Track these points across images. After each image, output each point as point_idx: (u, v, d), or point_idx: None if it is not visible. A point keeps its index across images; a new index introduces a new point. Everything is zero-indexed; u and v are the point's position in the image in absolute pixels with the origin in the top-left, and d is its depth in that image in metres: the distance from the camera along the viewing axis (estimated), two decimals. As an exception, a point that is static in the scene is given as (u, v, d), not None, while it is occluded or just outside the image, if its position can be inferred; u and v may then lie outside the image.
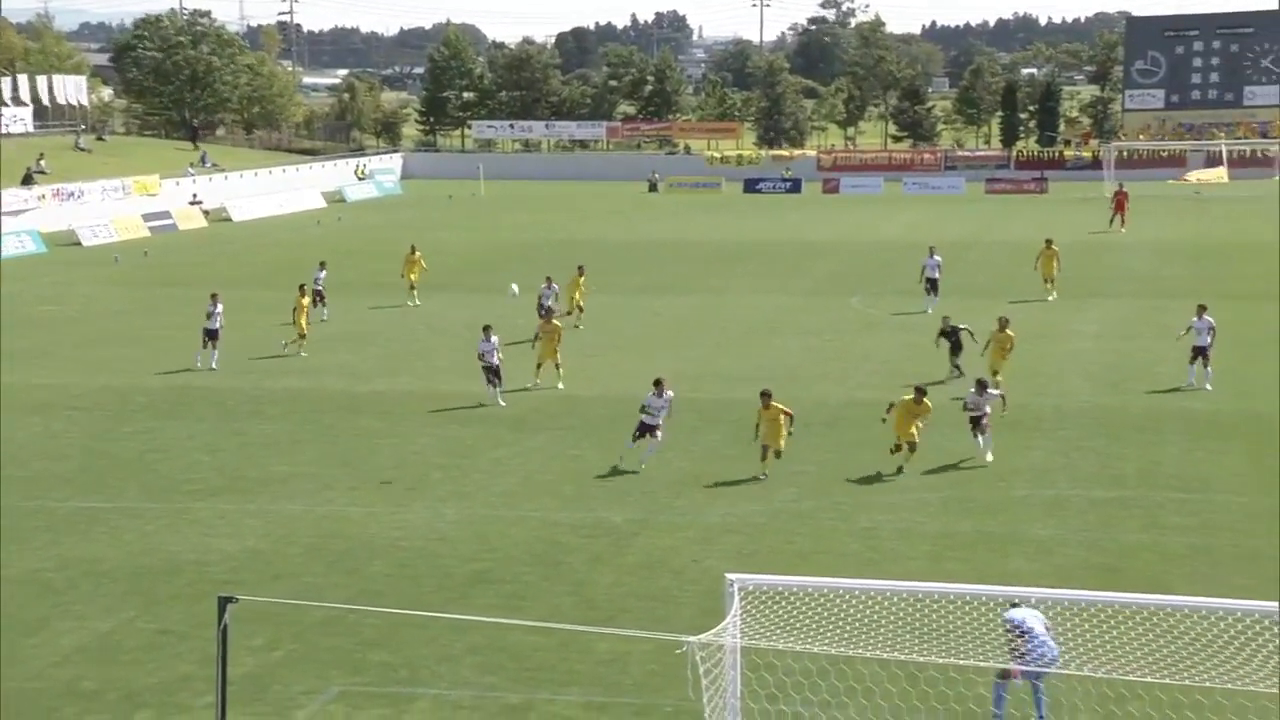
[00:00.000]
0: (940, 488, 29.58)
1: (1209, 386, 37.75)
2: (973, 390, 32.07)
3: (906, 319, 50.12)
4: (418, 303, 55.04)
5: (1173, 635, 15.86)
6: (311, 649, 21.64)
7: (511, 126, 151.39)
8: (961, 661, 19.20)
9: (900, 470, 30.33)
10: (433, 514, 28.61)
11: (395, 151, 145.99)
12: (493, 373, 37.89)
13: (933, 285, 51.50)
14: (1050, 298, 53.04)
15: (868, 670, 18.78)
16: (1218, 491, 29.10)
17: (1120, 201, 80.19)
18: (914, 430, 30.41)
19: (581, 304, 49.73)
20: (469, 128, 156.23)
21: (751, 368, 42.74)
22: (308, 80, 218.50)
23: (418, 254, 56.53)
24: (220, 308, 43.37)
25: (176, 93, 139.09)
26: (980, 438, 31.40)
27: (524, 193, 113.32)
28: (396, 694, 20.10)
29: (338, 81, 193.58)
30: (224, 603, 14.35)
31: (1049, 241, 54.87)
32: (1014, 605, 18.09)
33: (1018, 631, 17.86)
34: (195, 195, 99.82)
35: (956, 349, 39.87)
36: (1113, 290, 56.71)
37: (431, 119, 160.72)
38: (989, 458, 31.07)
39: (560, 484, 30.66)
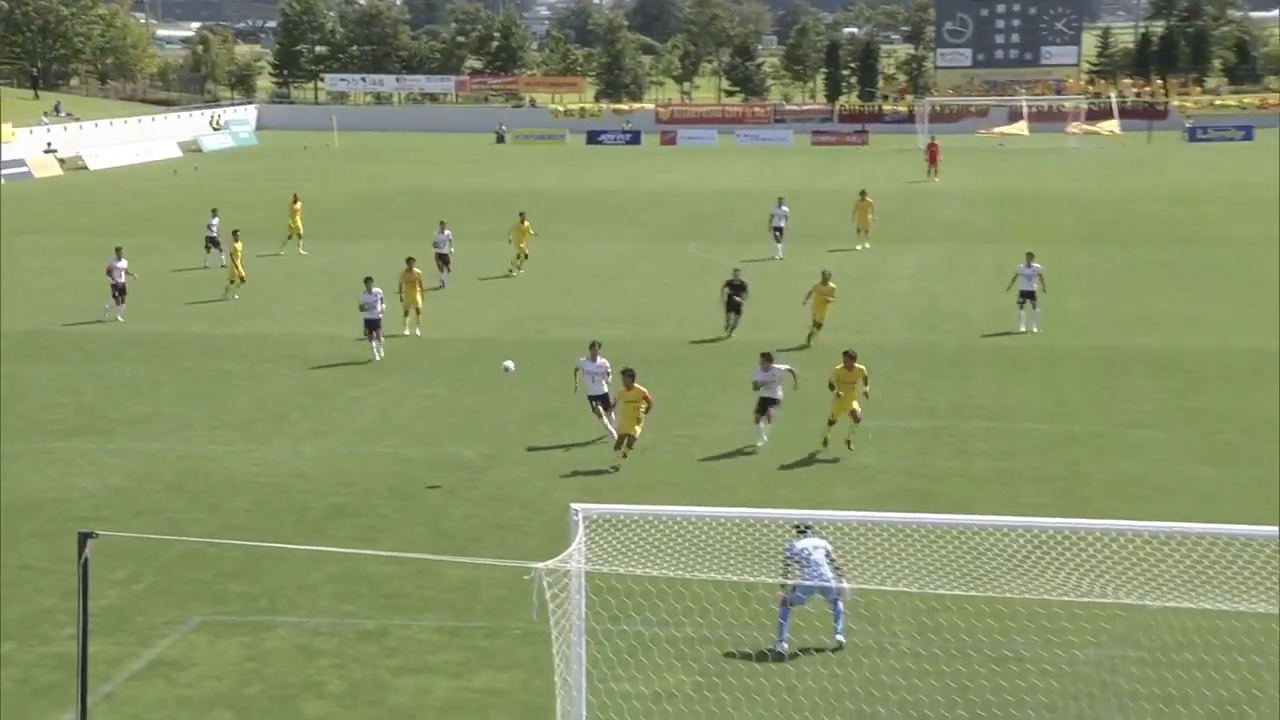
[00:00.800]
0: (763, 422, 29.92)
1: (1036, 329, 38.08)
2: (758, 367, 28.08)
3: (741, 264, 50.46)
4: (304, 251, 53.72)
5: (978, 552, 16.30)
6: (173, 581, 21.35)
7: (363, 80, 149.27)
8: (788, 581, 19.57)
9: (849, 444, 27.38)
10: (291, 451, 28.31)
11: (250, 103, 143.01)
12: (373, 325, 35.78)
13: (779, 233, 51.81)
14: (860, 247, 53.20)
15: (703, 591, 19.05)
16: (1019, 420, 29.87)
17: (933, 153, 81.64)
18: (855, 404, 27.27)
19: (526, 250, 48.86)
20: (322, 81, 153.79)
21: (595, 310, 42.89)
22: (161, 33, 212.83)
23: (299, 203, 55.53)
24: (124, 262, 41.78)
25: (28, 43, 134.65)
26: (762, 424, 27.82)
27: (377, 144, 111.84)
28: (257, 622, 19.92)
29: (191, 34, 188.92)
30: (84, 538, 14.08)
31: (863, 193, 55.35)
32: (801, 534, 18.50)
33: (797, 560, 18.39)
34: (50, 144, 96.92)
35: (734, 306, 38.28)
36: (927, 235, 57.69)
37: (285, 72, 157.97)
38: (762, 441, 27.81)
39: (414, 422, 30.52)
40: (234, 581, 21.33)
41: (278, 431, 29.75)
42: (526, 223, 49.38)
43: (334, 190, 77.58)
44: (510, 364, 29.29)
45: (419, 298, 38.97)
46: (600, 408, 28.15)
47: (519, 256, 49.07)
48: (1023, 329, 38.17)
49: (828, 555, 18.49)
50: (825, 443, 27.43)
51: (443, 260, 46.68)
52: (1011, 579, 16.29)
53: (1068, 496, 24.47)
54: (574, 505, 15.69)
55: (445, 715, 17.21)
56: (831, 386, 27.51)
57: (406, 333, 38.30)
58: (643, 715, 16.61)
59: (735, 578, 17.87)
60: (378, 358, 35.52)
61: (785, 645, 18.54)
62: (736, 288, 38.20)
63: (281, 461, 27.60)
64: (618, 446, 27.01)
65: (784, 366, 28.06)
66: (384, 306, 35.98)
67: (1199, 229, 57.71)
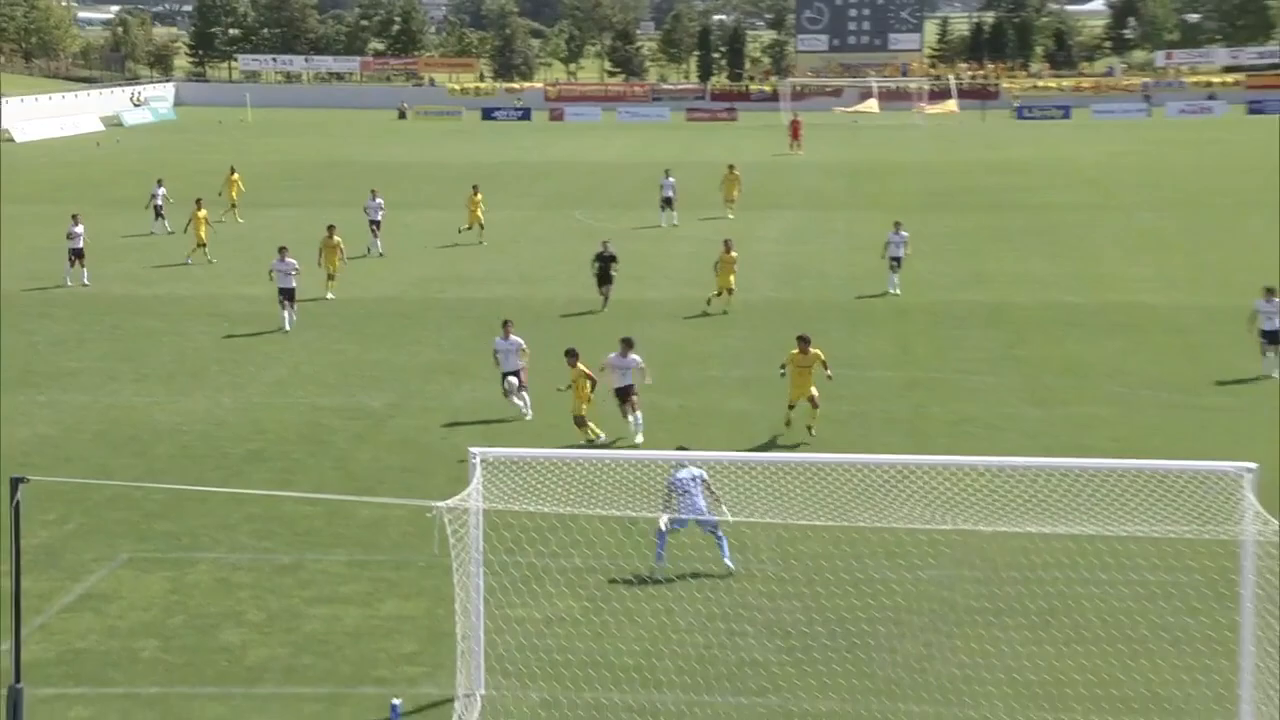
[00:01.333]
0: (650, 369, 29.93)
1: (899, 291, 37.64)
2: (616, 353, 24.92)
3: (623, 229, 50.40)
4: (241, 220, 52.39)
5: (835, 486, 16.50)
6: (101, 522, 20.93)
7: (274, 60, 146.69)
8: (666, 514, 19.64)
9: (810, 430, 24.83)
10: (211, 402, 27.82)
11: (168, 81, 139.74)
12: (287, 294, 33.76)
13: (668, 202, 51.49)
14: (728, 216, 53.19)
15: (590, 525, 19.07)
16: (870, 368, 30.20)
17: (795, 128, 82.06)
18: (811, 387, 24.58)
19: (482, 220, 47.54)
20: (235, 61, 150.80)
21: (490, 271, 42.62)
22: (83, 15, 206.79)
23: (236, 175, 54.31)
24: (81, 227, 40.33)
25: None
26: (631, 416, 24.49)
27: (288, 119, 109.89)
28: (180, 559, 19.60)
29: (111, 17, 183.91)
30: (16, 482, 13.75)
31: (731, 167, 55.34)
32: (681, 467, 18.61)
33: (676, 489, 18.53)
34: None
35: (606, 277, 36.14)
36: (789, 203, 57.99)
37: (201, 53, 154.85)
38: (640, 439, 24.36)
39: (324, 374, 30.12)
40: (158, 521, 20.95)
41: (198, 384, 29.21)
42: (479, 195, 48.07)
43: (250, 161, 75.86)
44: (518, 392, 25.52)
45: (338, 262, 38.05)
46: (512, 383, 26.17)
47: (475, 227, 47.34)
48: (892, 291, 37.86)
49: (705, 485, 18.58)
50: (788, 423, 25.17)
51: (374, 226, 45.48)
52: (863, 509, 16.52)
53: (912, 435, 24.82)
54: (472, 449, 15.62)
55: (356, 640, 17.08)
56: (782, 369, 25.07)
57: (329, 296, 37.59)
58: (535, 637, 16.62)
59: (619, 513, 17.92)
60: (288, 327, 33.49)
61: (663, 562, 18.65)
62: (607, 259, 36.18)
63: (202, 411, 27.12)
64: (579, 425, 24.41)
65: (639, 359, 24.75)
66: (298, 275, 34.05)
67: (1025, 197, 58.64)
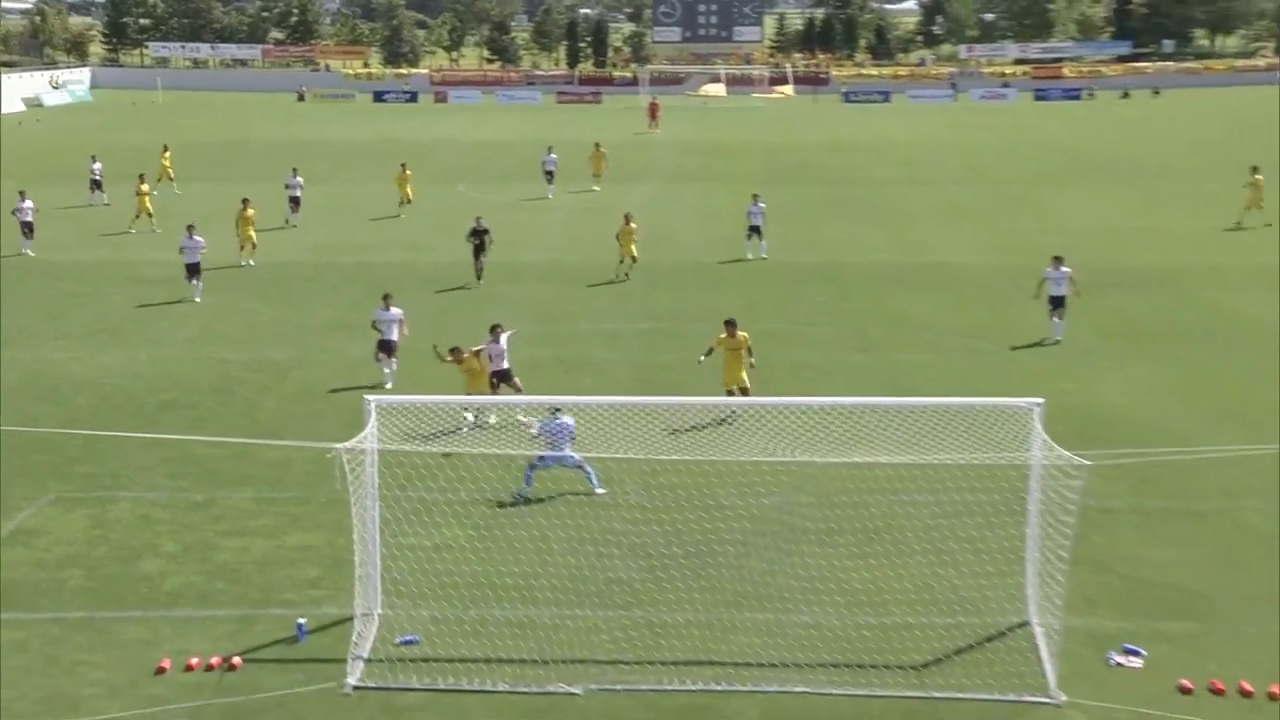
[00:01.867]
0: (525, 325, 29.77)
1: (765, 256, 37.39)
2: (488, 338, 22.51)
3: (502, 200, 49.95)
4: (179, 191, 50.74)
5: (691, 424, 16.62)
6: (27, 464, 20.25)
7: (183, 47, 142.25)
8: (542, 453, 19.61)
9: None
10: (128, 358, 27.00)
11: (84, 66, 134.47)
12: (193, 269, 32.14)
13: (550, 176, 50.95)
14: (595, 188, 53.01)
15: (474, 463, 19.01)
16: (721, 321, 30.23)
17: (653, 110, 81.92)
18: (743, 374, 21.99)
19: (409, 195, 45.76)
20: (147, 48, 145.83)
21: (381, 239, 41.94)
22: (4, 5, 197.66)
23: (168, 152, 52.46)
24: (30, 203, 38.54)
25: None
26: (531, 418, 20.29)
27: (196, 101, 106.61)
28: (102, 497, 19.07)
29: (29, 6, 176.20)
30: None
31: (597, 144, 55.08)
32: (554, 414, 18.62)
33: (548, 434, 18.64)
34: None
35: (480, 250, 34.00)
36: (649, 176, 57.89)
37: (114, 40, 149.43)
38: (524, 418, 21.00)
39: (233, 332, 29.42)
40: (81, 465, 20.34)
41: (115, 342, 28.33)
42: (409, 171, 46.55)
43: (163, 140, 73.57)
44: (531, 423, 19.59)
45: (253, 233, 36.75)
46: (385, 354, 24.60)
47: (403, 201, 45.85)
48: (750, 256, 37.42)
49: (571, 434, 18.60)
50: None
51: (294, 202, 44.02)
52: (715, 444, 16.67)
53: (758, 379, 24.91)
54: (368, 396, 15.42)
55: (264, 568, 16.80)
56: (708, 352, 22.55)
57: (244, 263, 36.41)
58: (426, 562, 16.50)
59: (499, 451, 17.87)
60: (197, 298, 32.05)
61: (530, 488, 18.73)
62: (481, 234, 34.02)
63: (119, 366, 26.32)
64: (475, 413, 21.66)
65: (508, 332, 22.75)
66: (204, 250, 32.27)
67: (852, 172, 59.34)
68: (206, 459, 20.59)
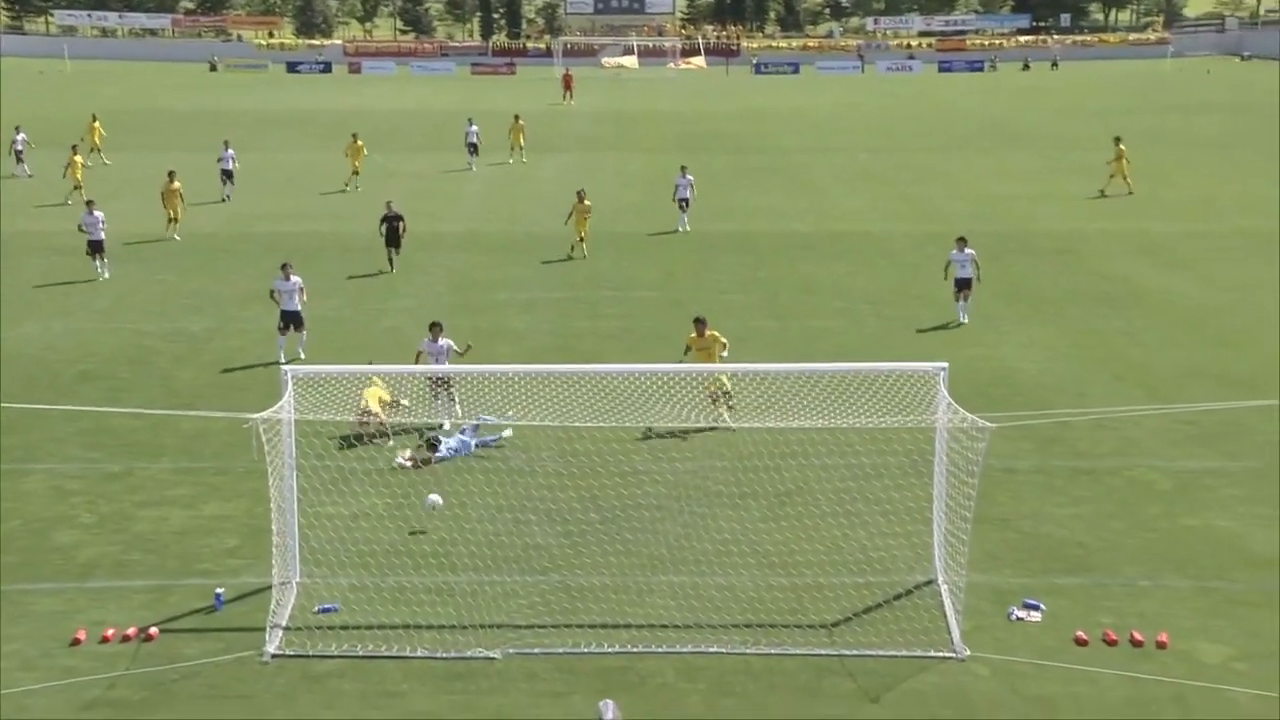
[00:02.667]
0: (442, 295, 29.58)
1: (689, 227, 37.04)
2: (428, 337, 20.40)
3: (418, 170, 49.37)
4: (108, 161, 49.33)
5: (607, 392, 16.61)
6: (-62, 442, 19.66)
7: (89, 15, 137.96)
8: (463, 422, 19.50)
9: (726, 412, 19.81)
10: (42, 329, 26.32)
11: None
12: (96, 246, 30.60)
13: (474, 149, 50.08)
14: (514, 160, 52.23)
15: (392, 434, 18.83)
16: (637, 289, 30.38)
17: (567, 81, 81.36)
18: (722, 378, 19.64)
19: (359, 167, 44.24)
20: (52, 16, 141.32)
21: (297, 208, 41.26)
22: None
23: (97, 122, 50.86)
24: None
25: None
26: (449, 402, 19.91)
27: (105, 71, 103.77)
28: (15, 470, 18.60)
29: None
30: None
31: (516, 116, 54.50)
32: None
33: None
34: None
35: (394, 239, 31.49)
36: (564, 146, 57.57)
37: (18, 6, 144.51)
38: (459, 410, 19.95)
39: (147, 302, 28.79)
40: (-7, 440, 19.79)
41: (29, 313, 27.58)
42: (360, 142, 45.04)
43: (73, 109, 71.58)
44: (435, 498, 17.01)
45: (179, 206, 35.55)
46: (289, 326, 23.71)
47: (354, 173, 44.42)
48: (682, 228, 37.00)
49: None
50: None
51: (227, 175, 42.43)
52: (631, 411, 16.69)
53: (674, 348, 24.87)
54: (284, 366, 15.18)
55: (181, 538, 16.52)
56: (687, 351, 20.89)
57: (175, 238, 35.23)
58: (344, 531, 16.35)
59: (417, 421, 17.73)
60: (104, 277, 30.62)
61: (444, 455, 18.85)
62: (394, 220, 31.48)
63: (33, 337, 25.64)
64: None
65: (449, 342, 20.41)
66: (105, 227, 30.72)
67: (763, 141, 59.49)
68: (123, 430, 20.17)
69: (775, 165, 51.40)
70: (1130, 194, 42.38)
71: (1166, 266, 32.59)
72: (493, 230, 37.56)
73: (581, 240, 33.35)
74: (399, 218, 31.60)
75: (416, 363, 20.02)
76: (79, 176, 41.25)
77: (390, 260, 31.65)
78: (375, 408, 19.13)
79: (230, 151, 43.08)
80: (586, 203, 33.61)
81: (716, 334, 20.75)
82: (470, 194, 44.75)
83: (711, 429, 19.05)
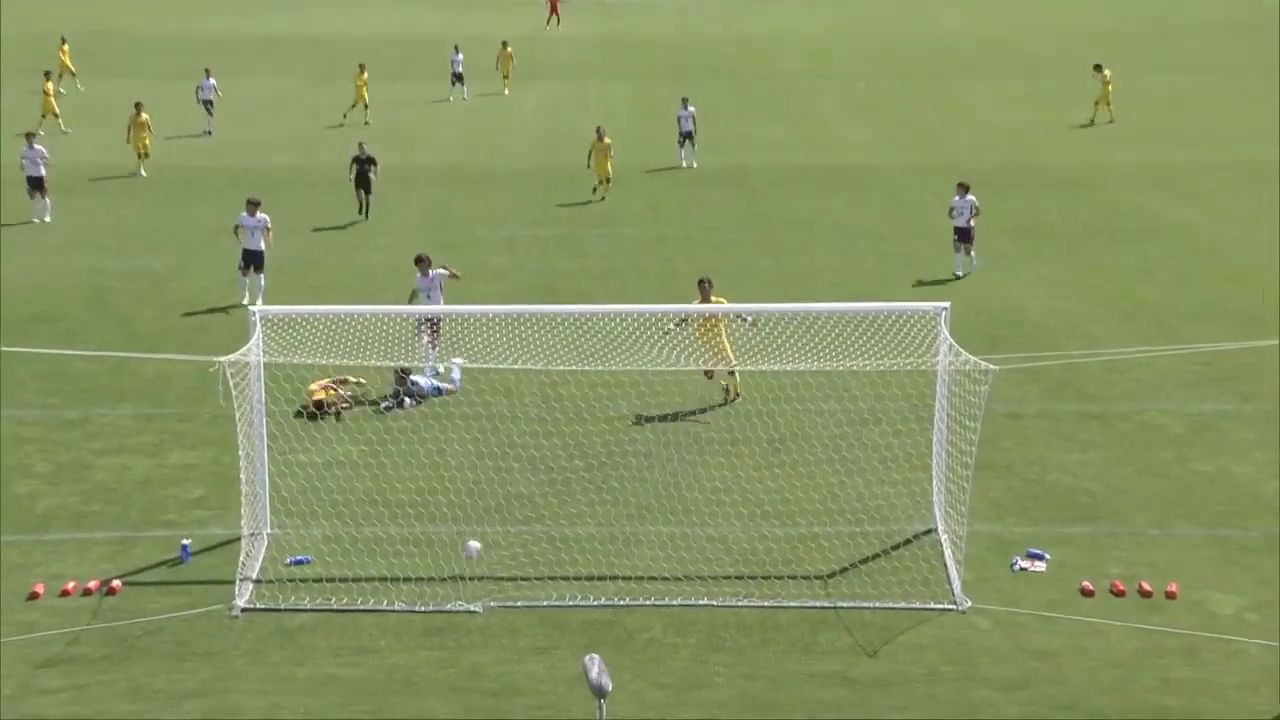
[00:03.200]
0: (417, 231, 29.36)
1: (695, 164, 36.38)
2: (417, 273, 20.46)
3: (391, 100, 48.89)
4: (82, 88, 48.76)
5: (592, 334, 16.54)
6: (-114, 388, 19.54)
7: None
8: (440, 366, 19.45)
9: (731, 396, 19.28)
10: (-9, 267, 26.12)
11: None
12: (36, 183, 29.56)
13: (459, 78, 49.14)
14: (505, 91, 51.71)
15: (365, 375, 18.77)
16: (623, 226, 30.22)
17: (553, 4, 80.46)
18: (728, 348, 18.50)
19: (367, 99, 43.41)
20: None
21: (265, 139, 40.88)
22: None
23: (66, 45, 50.33)
24: None
25: None
26: (430, 348, 19.56)
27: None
28: (-32, 420, 18.53)
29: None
30: None
31: (505, 43, 53.71)
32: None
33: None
34: None
35: (364, 182, 30.21)
36: (549, 74, 56.93)
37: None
38: (446, 366, 19.92)
39: (104, 239, 28.59)
40: (-56, 385, 19.68)
41: (-22, 251, 27.35)
42: (365, 73, 44.15)
43: (27, 31, 70.58)
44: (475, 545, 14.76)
45: (148, 139, 34.91)
46: (249, 266, 23.42)
47: (360, 105, 43.56)
48: (683, 164, 36.49)
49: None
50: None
51: (207, 106, 41.54)
52: (617, 355, 16.62)
53: (661, 287, 24.96)
54: (252, 307, 15.09)
55: (144, 488, 16.50)
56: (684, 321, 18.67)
57: (143, 173, 34.82)
58: (317, 480, 16.34)
59: (390, 363, 17.65)
60: (47, 219, 29.73)
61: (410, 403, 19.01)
62: (365, 162, 30.17)
63: (-17, 277, 25.43)
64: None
65: (442, 271, 20.70)
66: (47, 163, 29.61)
67: (757, 66, 58.94)
68: (80, 375, 20.08)
69: (769, 93, 50.93)
70: (1111, 122, 42.09)
71: (1180, 198, 32.51)
72: (473, 162, 37.27)
73: (605, 181, 32.30)
74: (371, 160, 30.25)
75: (411, 303, 19.94)
76: (52, 105, 40.66)
77: (361, 205, 30.48)
78: (323, 396, 18.67)
79: (211, 81, 41.81)
80: (606, 140, 32.25)
81: (722, 300, 18.85)
82: (448, 124, 44.35)
83: (705, 372, 19.00)
